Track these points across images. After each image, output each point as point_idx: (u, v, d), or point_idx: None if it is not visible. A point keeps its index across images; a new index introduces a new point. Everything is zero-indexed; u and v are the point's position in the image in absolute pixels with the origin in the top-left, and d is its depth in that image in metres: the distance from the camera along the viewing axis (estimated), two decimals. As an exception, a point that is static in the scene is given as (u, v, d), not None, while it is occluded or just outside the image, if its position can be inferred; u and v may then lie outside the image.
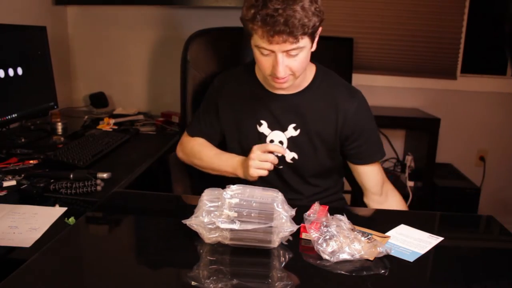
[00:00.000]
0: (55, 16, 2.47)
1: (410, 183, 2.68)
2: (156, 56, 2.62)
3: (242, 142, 1.35)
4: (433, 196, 2.56)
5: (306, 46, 1.13)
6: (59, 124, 1.99)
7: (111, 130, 2.03)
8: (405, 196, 2.65)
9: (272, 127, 1.31)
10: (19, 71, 1.80)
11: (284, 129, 1.30)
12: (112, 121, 2.13)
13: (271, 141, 1.31)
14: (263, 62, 1.16)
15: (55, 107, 2.04)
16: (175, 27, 2.55)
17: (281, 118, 1.30)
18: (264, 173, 1.23)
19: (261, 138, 1.32)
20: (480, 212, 2.61)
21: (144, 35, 2.59)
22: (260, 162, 1.22)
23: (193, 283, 0.80)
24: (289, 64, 1.14)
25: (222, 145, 1.41)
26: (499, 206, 2.87)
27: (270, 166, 1.23)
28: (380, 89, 2.82)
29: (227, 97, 1.36)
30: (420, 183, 2.62)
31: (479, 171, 2.87)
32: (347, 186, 1.57)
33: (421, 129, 2.63)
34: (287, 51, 1.11)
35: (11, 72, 1.75)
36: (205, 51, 1.63)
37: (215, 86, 1.40)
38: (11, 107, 1.76)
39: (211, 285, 0.79)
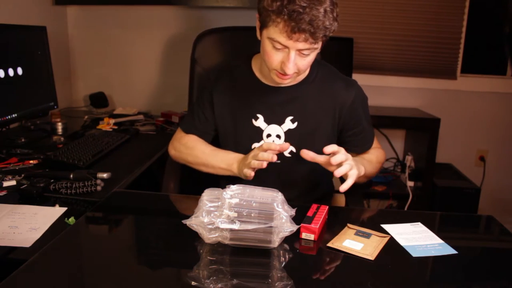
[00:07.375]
0: (55, 16, 2.47)
1: (410, 183, 2.68)
2: (156, 56, 2.62)
3: (238, 137, 1.33)
4: (433, 196, 2.56)
5: (318, 48, 1.14)
6: (59, 124, 1.99)
7: (111, 130, 2.03)
8: (405, 196, 2.65)
9: (268, 121, 1.30)
10: (19, 71, 1.80)
11: (281, 122, 1.29)
12: (112, 121, 2.13)
13: (268, 135, 1.30)
14: (273, 56, 1.14)
15: (55, 107, 2.04)
16: (175, 27, 2.55)
17: (278, 111, 1.29)
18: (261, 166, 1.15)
19: (258, 133, 1.31)
20: (480, 212, 2.61)
21: (144, 35, 2.59)
22: (258, 161, 1.15)
23: (193, 283, 0.79)
24: (298, 63, 1.14)
25: (215, 142, 1.40)
26: (499, 206, 2.87)
27: (265, 164, 1.15)
28: (380, 89, 2.82)
29: (222, 91, 1.34)
30: (420, 183, 2.61)
31: (479, 171, 2.87)
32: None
33: (421, 129, 2.63)
34: (301, 50, 1.11)
35: (11, 72, 1.75)
36: (211, 50, 1.64)
37: (210, 80, 1.38)
38: (11, 107, 1.76)
39: (211, 285, 0.79)
